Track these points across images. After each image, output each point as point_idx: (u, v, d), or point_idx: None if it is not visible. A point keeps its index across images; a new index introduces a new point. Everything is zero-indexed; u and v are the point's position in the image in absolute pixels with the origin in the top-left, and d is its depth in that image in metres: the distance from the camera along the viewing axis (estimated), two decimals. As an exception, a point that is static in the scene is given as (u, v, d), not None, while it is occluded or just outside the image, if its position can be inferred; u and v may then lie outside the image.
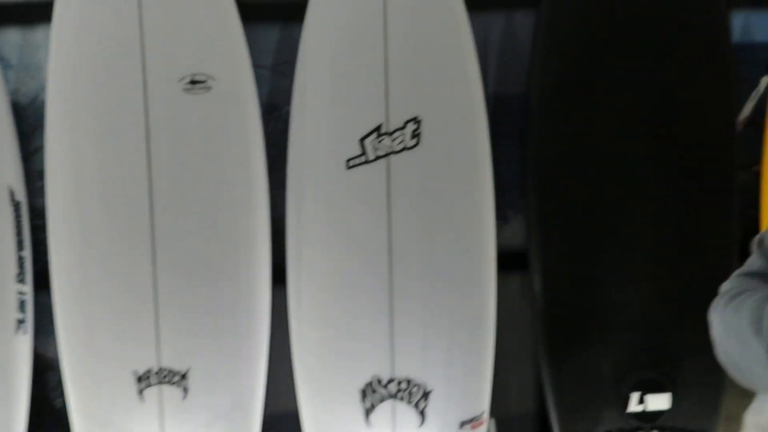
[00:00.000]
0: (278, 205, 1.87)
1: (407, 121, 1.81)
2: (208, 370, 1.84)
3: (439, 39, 1.82)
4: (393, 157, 1.81)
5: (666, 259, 1.89)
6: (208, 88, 1.78)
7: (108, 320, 1.81)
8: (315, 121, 1.83)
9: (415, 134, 1.81)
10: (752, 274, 0.88)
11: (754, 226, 1.95)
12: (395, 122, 1.80)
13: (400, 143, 1.81)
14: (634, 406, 1.89)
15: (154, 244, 1.80)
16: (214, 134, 1.82)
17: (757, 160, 1.95)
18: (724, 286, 0.89)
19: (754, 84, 1.97)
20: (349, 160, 1.82)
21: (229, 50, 1.80)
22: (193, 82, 1.77)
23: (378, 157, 1.81)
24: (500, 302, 1.87)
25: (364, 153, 1.81)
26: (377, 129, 1.81)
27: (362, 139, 1.81)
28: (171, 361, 1.82)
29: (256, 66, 1.83)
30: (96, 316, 1.81)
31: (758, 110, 1.97)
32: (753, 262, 0.90)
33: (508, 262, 1.92)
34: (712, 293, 0.92)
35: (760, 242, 0.91)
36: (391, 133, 1.81)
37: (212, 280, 1.82)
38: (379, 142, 1.81)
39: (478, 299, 1.87)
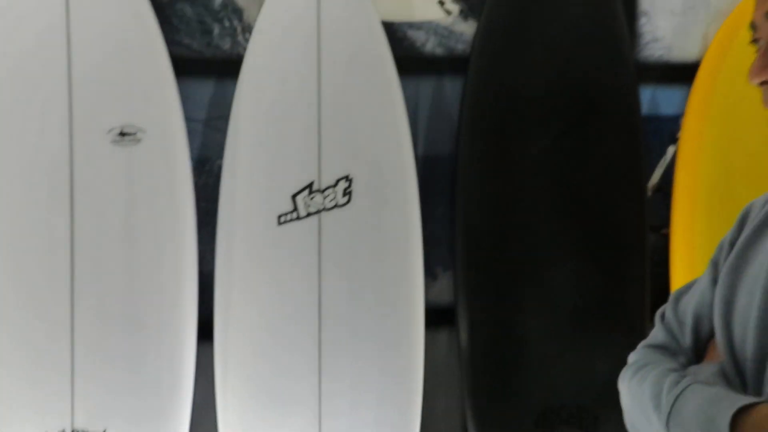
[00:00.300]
0: (207, 259, 1.70)
1: (339, 179, 1.70)
2: (126, 431, 1.62)
3: (371, 100, 1.74)
4: (324, 214, 1.69)
5: (584, 316, 1.85)
6: (138, 141, 1.62)
7: (20, 377, 1.59)
8: (247, 176, 1.70)
9: (347, 192, 1.70)
10: (655, 347, 0.86)
11: (665, 285, 1.94)
12: (327, 180, 1.69)
13: (331, 201, 1.70)
14: (557, 460, 1.79)
15: (73, 300, 1.60)
16: (142, 187, 1.66)
17: (666, 223, 1.93)
18: (631, 357, 0.87)
19: (662, 153, 1.96)
20: (280, 216, 1.69)
21: (160, 103, 1.65)
22: (122, 134, 1.61)
23: (309, 214, 1.69)
24: (428, 359, 1.75)
25: (295, 209, 1.69)
26: (309, 186, 1.69)
27: (294, 196, 1.69)
28: (86, 421, 1.60)
29: (189, 119, 1.69)
30: (7, 372, 1.58)
31: (666, 177, 1.96)
32: (656, 334, 0.88)
33: (437, 318, 1.83)
34: (628, 350, 0.90)
35: (662, 315, 0.90)
36: (322, 191, 1.69)
37: (134, 335, 1.64)
38: (311, 199, 1.69)
39: (407, 356, 1.76)
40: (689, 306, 0.86)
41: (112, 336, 1.65)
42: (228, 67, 1.73)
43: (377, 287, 1.75)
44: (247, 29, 1.75)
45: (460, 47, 1.87)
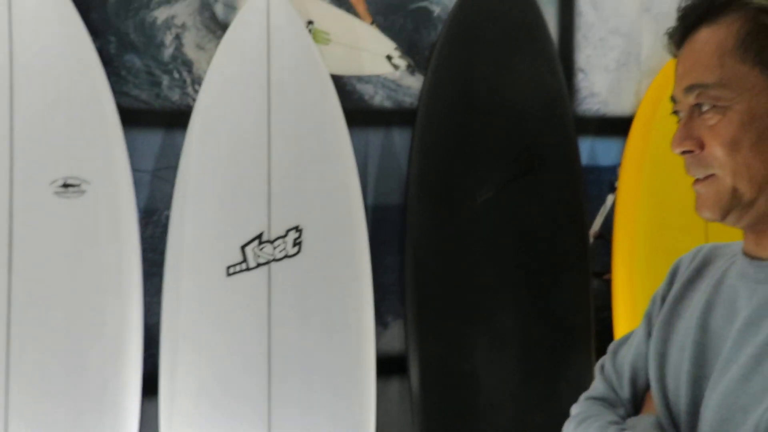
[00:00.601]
0: (153, 312, 1.54)
1: (289, 230, 1.57)
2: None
3: (321, 151, 1.63)
4: (274, 265, 1.56)
5: (533, 360, 1.75)
6: (82, 192, 1.48)
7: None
8: (195, 226, 1.56)
9: (297, 242, 1.58)
10: (596, 399, 0.84)
11: (609, 329, 1.88)
12: (277, 230, 1.57)
13: (281, 251, 1.57)
14: None
15: (9, 356, 1.43)
16: (86, 239, 1.51)
17: (608, 269, 1.87)
18: (574, 409, 0.85)
19: (602, 201, 1.91)
20: (229, 267, 1.55)
21: (106, 154, 1.52)
22: (66, 186, 1.46)
23: (259, 265, 1.55)
24: (380, 408, 1.61)
25: (244, 260, 1.55)
26: (259, 237, 1.56)
27: (243, 247, 1.55)
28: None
29: (137, 170, 1.56)
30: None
31: (606, 224, 1.90)
32: (596, 386, 0.86)
33: (388, 367, 1.70)
34: (575, 393, 0.88)
35: (602, 367, 0.88)
36: (272, 241, 1.56)
37: (75, 391, 1.47)
38: (261, 249, 1.56)
39: (359, 406, 1.61)
40: (626, 359, 0.84)
41: (51, 393, 1.49)
42: (177, 118, 1.60)
43: (328, 337, 1.62)
44: (197, 81, 1.63)
45: (408, 100, 1.79)
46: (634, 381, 0.82)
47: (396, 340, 1.78)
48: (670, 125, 2.04)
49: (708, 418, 0.71)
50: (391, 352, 1.76)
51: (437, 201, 1.76)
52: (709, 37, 0.71)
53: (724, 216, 0.73)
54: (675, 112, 0.76)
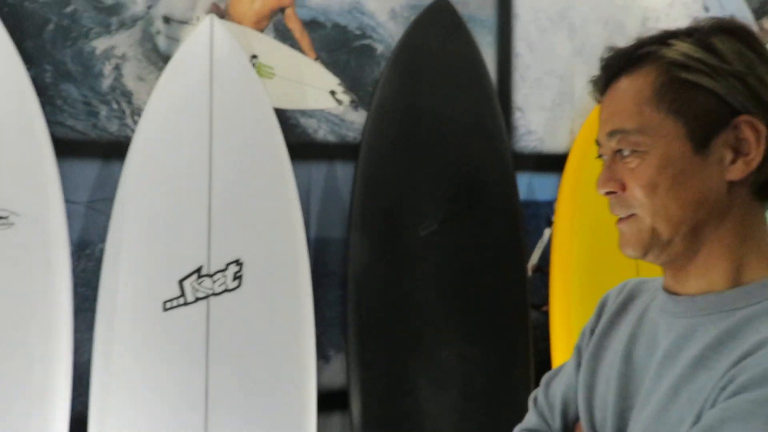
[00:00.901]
0: (84, 349, 1.37)
1: (229, 263, 1.43)
2: None
3: (263, 184, 1.51)
4: (213, 299, 1.41)
5: (473, 392, 1.67)
6: (10, 225, 1.31)
7: None
8: (131, 260, 1.41)
9: (237, 276, 1.44)
10: (529, 430, 0.83)
11: (547, 359, 1.80)
12: (217, 264, 1.42)
13: (221, 285, 1.43)
14: None
15: None
16: (14, 273, 1.34)
17: (546, 301, 1.78)
18: None
19: (539, 235, 1.83)
20: (166, 302, 1.39)
21: (38, 185, 1.36)
22: (-8, 217, 1.29)
23: (197, 299, 1.41)
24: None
25: (182, 294, 1.40)
26: (198, 270, 1.41)
27: (181, 281, 1.40)
28: None
29: (70, 202, 1.39)
30: None
31: (544, 257, 1.83)
32: (530, 418, 0.85)
33: (329, 401, 1.55)
34: (515, 422, 0.85)
35: (535, 399, 0.86)
36: (212, 275, 1.41)
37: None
38: (200, 283, 1.41)
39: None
40: (558, 390, 0.84)
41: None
42: (114, 149, 1.46)
43: (268, 372, 1.48)
44: (137, 112, 1.49)
45: (351, 135, 1.68)
46: (565, 412, 0.81)
47: (338, 375, 1.64)
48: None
49: None
50: (333, 386, 1.62)
51: (379, 235, 1.66)
52: (628, 86, 0.72)
53: (644, 254, 0.72)
54: (600, 156, 0.76)
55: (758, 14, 2.13)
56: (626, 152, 0.71)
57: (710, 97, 0.68)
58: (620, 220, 0.73)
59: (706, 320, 0.68)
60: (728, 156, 0.68)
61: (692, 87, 0.68)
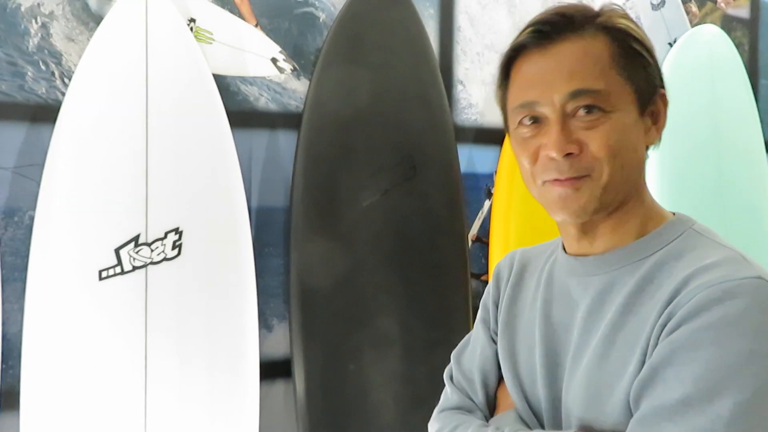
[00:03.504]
0: (14, 320, 1.32)
1: (168, 232, 1.39)
2: None
3: (202, 151, 1.47)
4: (151, 268, 1.38)
5: (414, 359, 1.69)
6: (-70, 189, 1.23)
7: None
8: (64, 228, 1.36)
9: (176, 245, 1.40)
10: (453, 409, 0.83)
11: None
12: (155, 232, 1.38)
13: (159, 254, 1.39)
14: None
15: None
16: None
17: (486, 270, 1.83)
18: (434, 425, 0.83)
19: (479, 206, 1.87)
20: (101, 271, 1.35)
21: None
22: None
23: (135, 268, 1.37)
24: (264, 411, 1.46)
25: (119, 263, 1.35)
26: (135, 239, 1.37)
27: (118, 249, 1.36)
28: None
29: (-5, 167, 1.32)
30: None
31: (483, 228, 1.86)
32: (449, 397, 0.85)
33: (272, 370, 1.55)
34: None
35: (450, 378, 0.87)
36: (150, 244, 1.38)
37: None
38: (137, 252, 1.37)
39: (241, 410, 1.45)
40: (473, 365, 0.85)
41: None
42: (43, 112, 1.39)
43: (210, 342, 1.46)
44: (66, 74, 1.42)
45: (294, 104, 1.66)
46: (485, 384, 0.83)
47: (281, 343, 1.63)
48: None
49: (575, 398, 0.72)
50: (276, 355, 1.61)
51: (321, 204, 1.65)
52: (583, 49, 0.71)
53: (588, 216, 0.73)
54: (531, 118, 0.73)
55: (685, -4, 2.22)
56: (595, 111, 0.71)
57: (648, 69, 0.74)
58: (561, 181, 0.72)
59: (621, 272, 0.73)
60: (649, 123, 0.75)
61: (638, 57, 0.73)
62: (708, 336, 0.63)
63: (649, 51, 0.74)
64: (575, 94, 0.71)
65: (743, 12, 2.36)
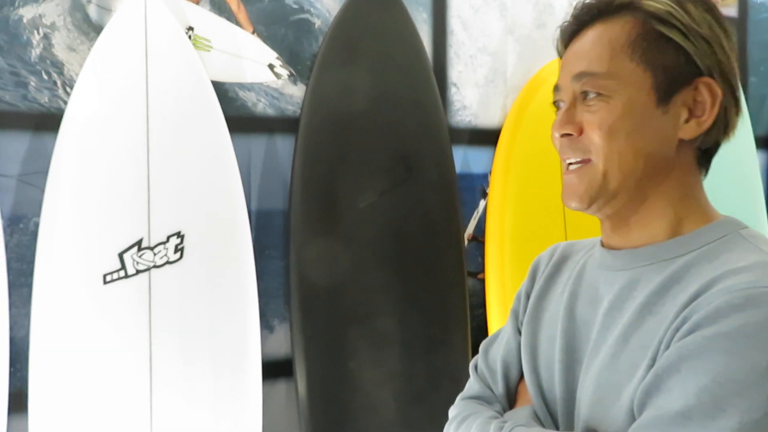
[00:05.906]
0: (21, 325, 1.34)
1: (170, 236, 1.42)
2: None
3: (202, 156, 1.50)
4: (154, 271, 1.41)
5: (413, 358, 1.70)
6: (-63, 198, 1.26)
7: None
8: (68, 233, 1.38)
9: (179, 248, 1.43)
10: (473, 398, 0.82)
11: (484, 324, 1.88)
12: (158, 236, 1.41)
13: (162, 257, 1.42)
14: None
15: None
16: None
17: (482, 269, 1.86)
18: (452, 411, 0.82)
19: (475, 206, 1.90)
20: (105, 275, 1.38)
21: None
22: None
23: (138, 272, 1.40)
24: (267, 411, 1.49)
25: (123, 267, 1.38)
26: (138, 243, 1.40)
27: (121, 254, 1.39)
28: None
29: (1, 175, 1.34)
30: None
31: (479, 227, 1.89)
32: (471, 386, 0.84)
33: (275, 370, 1.59)
34: (453, 386, 0.86)
35: (476, 367, 0.86)
36: (152, 248, 1.40)
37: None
38: (140, 256, 1.40)
39: (245, 411, 1.48)
40: (498, 355, 0.83)
41: None
42: (46, 121, 1.42)
43: (212, 344, 1.49)
44: (68, 83, 1.45)
45: (291, 109, 1.69)
46: (506, 376, 0.81)
47: (283, 344, 1.66)
48: (533, 137, 2.05)
49: (585, 398, 0.70)
50: (278, 355, 1.64)
51: (320, 207, 1.68)
52: (602, 33, 0.71)
53: (590, 204, 0.72)
54: (555, 103, 0.75)
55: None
56: (591, 95, 0.70)
57: (679, 54, 0.69)
58: (568, 170, 0.72)
59: (648, 269, 0.69)
60: (684, 114, 0.70)
61: (665, 41, 0.69)
62: (721, 345, 0.59)
63: (687, 35, 0.69)
64: (578, 77, 0.71)
65: (732, 11, 2.40)
